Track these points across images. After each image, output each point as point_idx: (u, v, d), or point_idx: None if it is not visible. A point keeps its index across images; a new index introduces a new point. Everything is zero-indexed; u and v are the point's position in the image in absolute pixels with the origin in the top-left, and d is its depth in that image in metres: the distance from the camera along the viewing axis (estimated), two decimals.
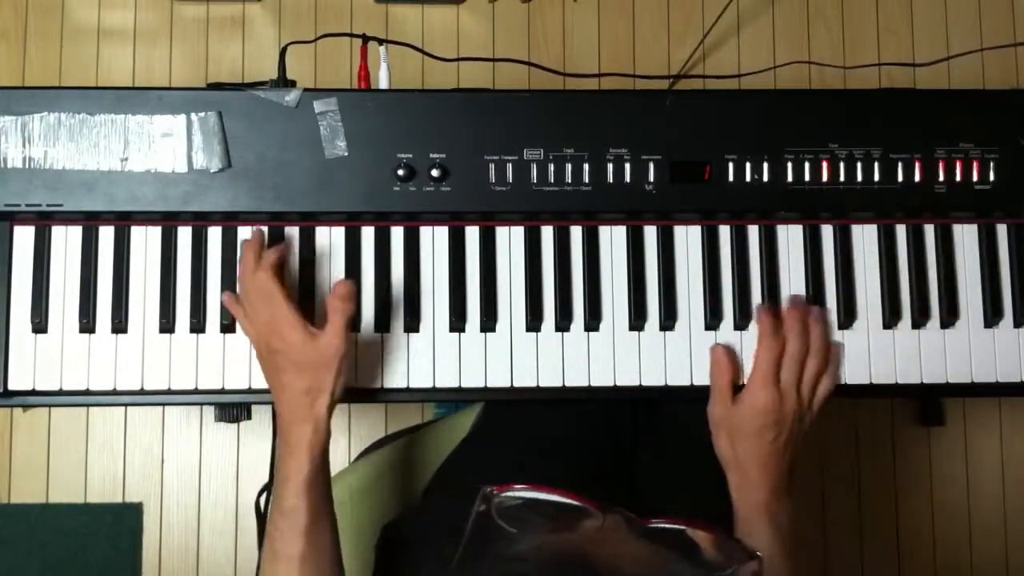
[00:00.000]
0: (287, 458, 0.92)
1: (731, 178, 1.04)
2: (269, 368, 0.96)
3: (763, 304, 1.03)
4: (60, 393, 1.00)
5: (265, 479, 1.23)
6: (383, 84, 1.15)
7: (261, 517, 1.20)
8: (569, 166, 1.03)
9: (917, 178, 1.05)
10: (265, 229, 1.02)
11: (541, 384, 1.03)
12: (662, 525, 0.60)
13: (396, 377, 1.02)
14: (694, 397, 1.02)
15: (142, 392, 1.01)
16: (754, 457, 0.96)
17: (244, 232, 1.03)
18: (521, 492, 0.62)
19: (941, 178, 1.05)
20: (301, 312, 0.94)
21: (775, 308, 1.01)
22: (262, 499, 1.19)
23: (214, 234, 1.03)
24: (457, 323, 1.03)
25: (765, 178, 1.04)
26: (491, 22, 1.94)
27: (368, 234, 1.04)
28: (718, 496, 0.98)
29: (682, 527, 0.60)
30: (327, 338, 0.93)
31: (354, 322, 1.01)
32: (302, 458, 0.92)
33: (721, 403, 0.99)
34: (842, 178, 1.04)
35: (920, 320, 1.05)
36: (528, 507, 0.61)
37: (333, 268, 1.04)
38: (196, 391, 1.01)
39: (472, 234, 1.05)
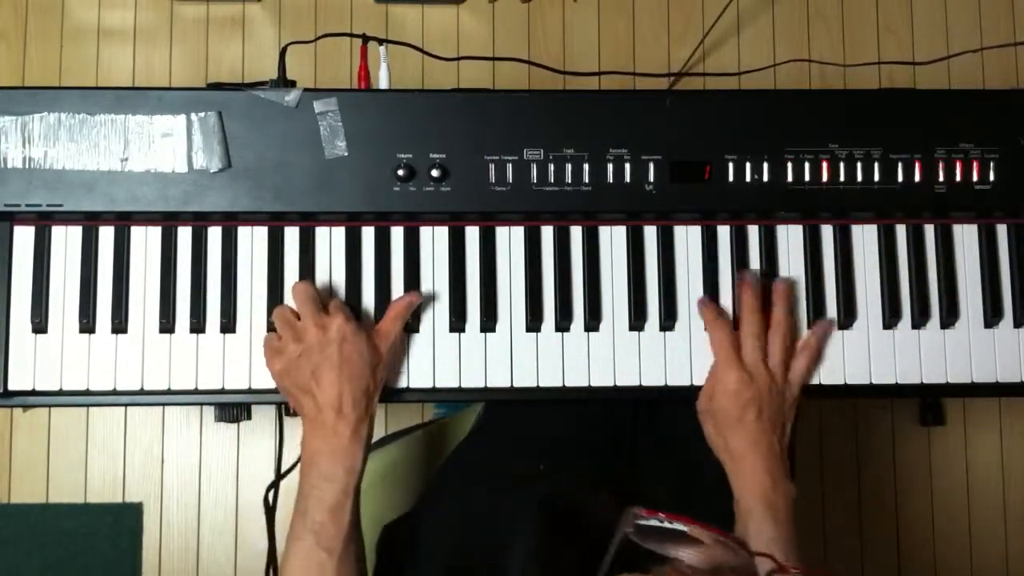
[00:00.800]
0: (341, 458, 0.93)
1: (731, 178, 1.04)
2: (309, 383, 0.96)
3: (703, 296, 1.04)
4: (60, 393, 1.00)
5: (266, 477, 1.23)
6: (383, 84, 1.15)
7: (270, 511, 1.20)
8: (569, 166, 1.03)
9: (917, 178, 1.05)
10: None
11: (541, 384, 1.03)
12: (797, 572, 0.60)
13: (396, 377, 1.02)
14: (694, 397, 1.02)
15: (142, 392, 1.01)
16: (743, 440, 0.97)
17: (244, 232, 1.03)
18: (665, 523, 0.61)
19: (941, 178, 1.05)
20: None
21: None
22: (270, 495, 1.20)
23: (214, 234, 1.03)
24: (457, 323, 1.03)
25: (765, 178, 1.04)
26: (491, 22, 1.94)
27: (368, 234, 1.04)
28: (719, 496, 0.99)
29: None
30: (386, 344, 0.98)
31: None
32: (358, 456, 0.94)
33: (706, 395, 1.00)
34: (842, 178, 1.04)
35: (920, 320, 1.05)
36: (670, 535, 0.61)
37: (333, 268, 1.04)
38: (196, 391, 1.01)
39: (472, 234, 1.05)
